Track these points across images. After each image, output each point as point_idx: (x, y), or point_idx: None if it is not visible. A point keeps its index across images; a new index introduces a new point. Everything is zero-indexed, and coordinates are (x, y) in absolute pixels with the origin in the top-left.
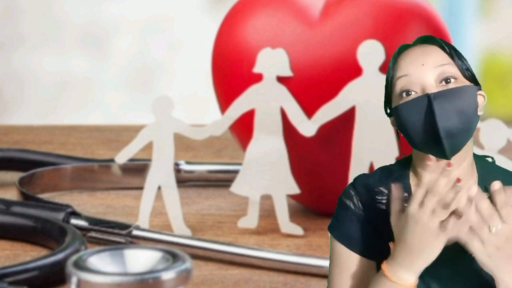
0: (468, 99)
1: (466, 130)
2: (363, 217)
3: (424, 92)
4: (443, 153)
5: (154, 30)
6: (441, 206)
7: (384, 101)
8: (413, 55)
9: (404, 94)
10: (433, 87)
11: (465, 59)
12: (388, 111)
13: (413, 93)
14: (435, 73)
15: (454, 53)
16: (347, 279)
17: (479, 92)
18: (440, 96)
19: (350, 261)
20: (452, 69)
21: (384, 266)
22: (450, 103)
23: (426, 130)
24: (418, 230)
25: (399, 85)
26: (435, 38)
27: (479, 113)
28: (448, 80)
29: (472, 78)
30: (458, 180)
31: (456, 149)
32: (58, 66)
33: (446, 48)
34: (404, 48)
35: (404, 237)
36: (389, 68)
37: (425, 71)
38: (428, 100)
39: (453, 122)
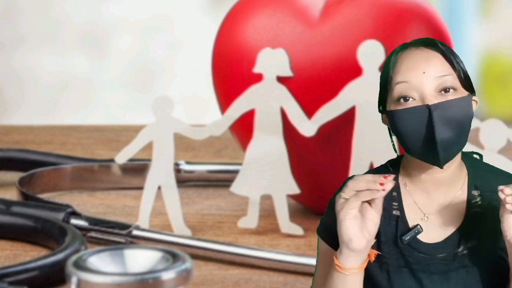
0: (465, 110)
1: (460, 142)
2: None
3: (423, 100)
4: (438, 163)
5: (154, 30)
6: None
7: (378, 99)
8: (415, 61)
9: (402, 99)
10: (432, 97)
11: (462, 62)
12: (381, 108)
13: (411, 99)
14: (436, 83)
15: (454, 60)
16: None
17: (473, 98)
18: (439, 108)
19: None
20: (452, 80)
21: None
22: (449, 116)
23: (423, 140)
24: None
25: (398, 90)
26: (437, 43)
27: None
28: (447, 90)
29: (469, 86)
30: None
31: (449, 159)
32: (58, 66)
33: (448, 55)
34: (404, 47)
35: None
36: (386, 65)
37: (426, 80)
38: (428, 111)
39: (450, 135)
